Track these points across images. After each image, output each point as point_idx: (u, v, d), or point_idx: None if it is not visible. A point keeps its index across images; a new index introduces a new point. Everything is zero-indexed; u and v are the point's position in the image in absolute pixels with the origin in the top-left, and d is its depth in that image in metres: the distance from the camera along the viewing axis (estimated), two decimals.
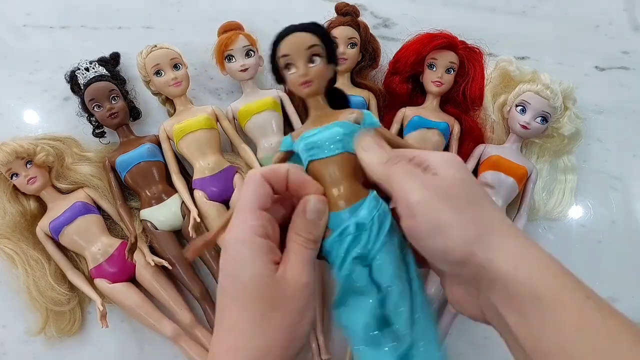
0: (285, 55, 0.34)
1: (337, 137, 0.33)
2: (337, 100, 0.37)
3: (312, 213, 0.31)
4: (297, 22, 0.35)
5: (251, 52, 0.63)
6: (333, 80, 0.37)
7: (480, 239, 0.27)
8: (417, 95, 0.67)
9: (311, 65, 0.34)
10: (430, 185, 0.29)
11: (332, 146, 0.33)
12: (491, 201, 0.30)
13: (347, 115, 0.34)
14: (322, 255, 0.32)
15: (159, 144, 0.64)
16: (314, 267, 0.31)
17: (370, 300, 0.31)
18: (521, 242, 0.28)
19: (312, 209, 0.31)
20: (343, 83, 0.65)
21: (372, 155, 0.32)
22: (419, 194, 0.28)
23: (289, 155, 0.37)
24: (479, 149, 0.64)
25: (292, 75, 0.34)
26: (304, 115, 0.66)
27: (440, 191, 0.28)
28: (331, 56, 0.35)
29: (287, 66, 0.34)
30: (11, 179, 0.59)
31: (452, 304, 0.32)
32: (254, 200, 0.30)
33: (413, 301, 0.31)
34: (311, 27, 0.34)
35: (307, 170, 0.34)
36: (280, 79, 0.36)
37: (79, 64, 0.63)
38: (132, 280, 0.61)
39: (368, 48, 0.65)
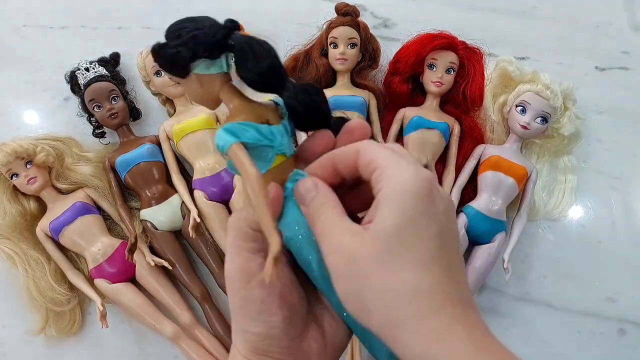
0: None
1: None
2: None
3: None
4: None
5: None
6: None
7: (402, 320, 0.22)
8: (417, 96, 0.67)
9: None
10: (356, 244, 0.24)
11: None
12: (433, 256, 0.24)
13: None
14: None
15: (159, 144, 0.64)
16: None
17: None
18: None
19: None
20: (343, 83, 0.65)
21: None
22: (338, 259, 0.24)
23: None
24: (479, 149, 0.64)
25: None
26: None
27: (368, 251, 0.23)
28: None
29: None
30: (11, 179, 0.59)
31: None
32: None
33: None
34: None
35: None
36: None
37: (79, 64, 0.63)
38: (132, 280, 0.61)
39: (368, 48, 0.65)
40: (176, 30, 0.28)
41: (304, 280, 0.29)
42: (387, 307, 0.23)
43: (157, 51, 0.28)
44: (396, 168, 0.25)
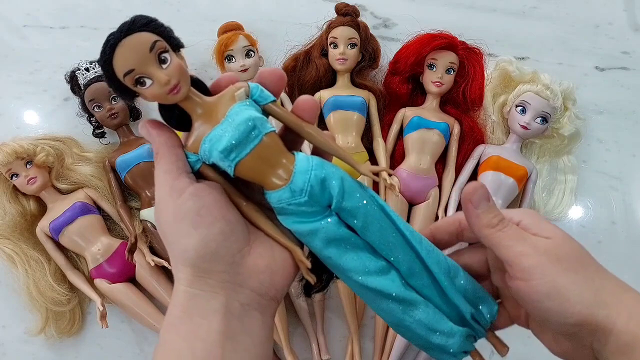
0: (130, 71, 0.26)
1: (250, 124, 0.27)
2: (201, 86, 0.31)
3: None
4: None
5: (251, 52, 0.63)
6: None
7: (597, 298, 0.28)
8: (417, 96, 0.67)
9: (165, 66, 0.27)
10: (542, 249, 0.29)
11: (250, 136, 0.28)
12: (593, 258, 0.31)
13: (235, 94, 0.29)
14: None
15: None
16: None
17: (357, 241, 0.30)
18: (632, 295, 0.29)
19: None
20: (343, 83, 0.65)
21: (480, 216, 0.31)
22: (533, 258, 0.29)
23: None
24: (479, 149, 0.64)
25: (152, 89, 0.27)
26: None
27: (552, 254, 0.29)
28: (176, 43, 0.29)
29: (139, 81, 0.27)
30: (11, 179, 0.59)
31: (558, 355, 0.32)
32: None
33: (396, 226, 0.31)
34: (137, 24, 0.27)
35: (233, 175, 0.28)
36: (133, 97, 0.28)
37: (79, 64, 0.63)
38: (132, 280, 0.61)
39: (368, 48, 0.65)
40: None
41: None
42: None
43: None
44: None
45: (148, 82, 0.27)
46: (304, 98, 0.30)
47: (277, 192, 0.29)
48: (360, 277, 0.30)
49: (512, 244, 0.29)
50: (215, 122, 0.28)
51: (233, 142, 0.27)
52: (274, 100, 0.30)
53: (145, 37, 0.26)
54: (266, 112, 0.30)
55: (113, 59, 0.26)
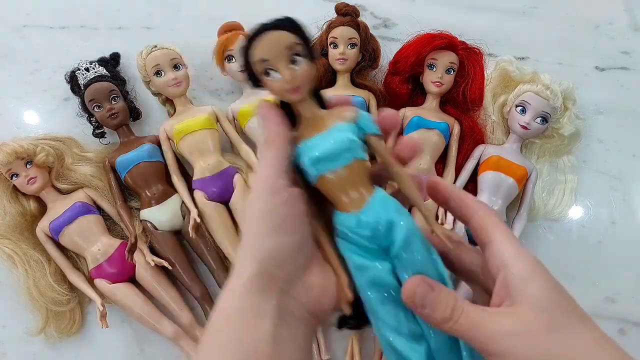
0: (263, 60, 0.29)
1: (346, 145, 0.30)
2: (319, 98, 0.33)
3: None
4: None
5: None
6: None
7: None
8: (417, 96, 0.67)
9: (294, 67, 0.29)
10: (507, 331, 0.26)
11: (343, 155, 0.30)
12: (574, 309, 0.27)
13: (344, 114, 0.31)
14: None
15: (159, 145, 0.64)
16: None
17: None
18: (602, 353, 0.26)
19: None
20: (343, 83, 0.65)
21: (431, 315, 0.28)
22: (500, 344, 0.26)
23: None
24: (479, 149, 0.64)
25: (276, 82, 0.29)
26: None
27: (521, 332, 0.25)
28: (312, 52, 0.31)
29: (267, 72, 0.29)
30: (11, 179, 0.59)
31: None
32: None
33: None
34: (286, 23, 0.30)
35: (316, 185, 0.31)
36: (258, 84, 0.30)
37: (79, 64, 0.63)
38: (132, 280, 0.61)
39: (368, 48, 0.65)
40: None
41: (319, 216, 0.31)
42: None
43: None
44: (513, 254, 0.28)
45: (275, 75, 0.29)
46: (408, 143, 0.32)
47: (345, 215, 0.30)
48: (389, 334, 0.30)
49: (474, 334, 0.27)
50: (317, 132, 0.30)
51: (325, 154, 0.29)
52: (378, 135, 0.31)
53: (288, 37, 0.30)
54: (365, 142, 0.31)
55: (254, 44, 0.30)
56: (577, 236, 0.66)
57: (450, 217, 0.62)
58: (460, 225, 0.61)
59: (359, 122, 0.31)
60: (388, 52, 0.67)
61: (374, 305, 0.30)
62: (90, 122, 0.65)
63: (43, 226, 0.60)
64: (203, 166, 0.62)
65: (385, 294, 0.30)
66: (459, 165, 0.65)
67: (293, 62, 0.29)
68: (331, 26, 0.64)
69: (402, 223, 0.29)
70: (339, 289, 0.30)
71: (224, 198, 0.62)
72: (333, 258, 0.31)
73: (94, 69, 0.63)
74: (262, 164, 0.29)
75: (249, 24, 0.71)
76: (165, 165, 0.63)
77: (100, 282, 0.60)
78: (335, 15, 0.65)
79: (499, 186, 0.61)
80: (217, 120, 0.64)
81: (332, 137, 0.30)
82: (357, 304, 0.31)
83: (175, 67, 0.62)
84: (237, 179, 0.62)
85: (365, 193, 0.30)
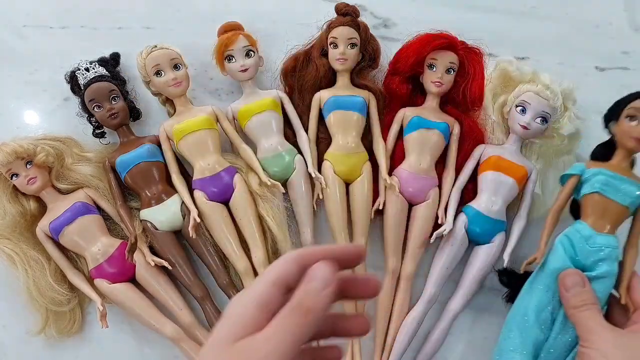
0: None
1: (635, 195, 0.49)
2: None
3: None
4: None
5: (251, 52, 0.63)
6: None
7: None
8: (417, 96, 0.67)
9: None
10: (609, 339, 0.35)
11: (628, 195, 0.49)
12: None
13: None
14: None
15: (159, 144, 0.64)
16: None
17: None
18: None
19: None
20: (343, 83, 0.65)
21: (570, 299, 0.39)
22: (598, 343, 0.36)
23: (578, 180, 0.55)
24: (479, 149, 0.64)
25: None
26: (305, 115, 0.66)
27: (619, 344, 0.35)
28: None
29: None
30: (11, 179, 0.59)
31: None
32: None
33: None
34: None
35: (580, 199, 0.52)
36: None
37: (79, 64, 0.63)
38: (132, 280, 0.61)
39: (368, 48, 0.65)
40: None
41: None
42: None
43: None
44: None
45: None
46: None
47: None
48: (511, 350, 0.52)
49: (586, 323, 0.37)
50: (618, 171, 0.55)
51: (618, 186, 0.53)
52: None
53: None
54: None
55: None
56: None
57: (450, 217, 0.62)
58: (459, 227, 0.61)
59: None
60: (388, 52, 0.67)
61: (524, 302, 0.51)
62: (90, 122, 0.65)
63: (43, 226, 0.60)
64: (203, 166, 0.62)
65: (536, 319, 0.50)
66: (459, 165, 0.65)
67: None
68: (331, 26, 0.64)
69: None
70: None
71: (224, 198, 0.62)
72: None
73: (94, 69, 0.63)
74: None
75: (249, 24, 0.72)
76: (165, 165, 0.63)
77: (100, 282, 0.60)
78: (335, 15, 0.65)
79: (499, 186, 0.61)
80: (217, 120, 0.64)
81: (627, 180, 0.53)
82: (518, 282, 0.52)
83: (175, 67, 0.62)
84: (237, 179, 0.62)
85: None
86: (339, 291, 0.27)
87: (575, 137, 0.66)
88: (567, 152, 0.67)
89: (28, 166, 0.59)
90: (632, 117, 0.53)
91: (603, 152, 0.58)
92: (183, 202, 0.62)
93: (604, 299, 0.50)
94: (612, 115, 0.55)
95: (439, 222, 0.62)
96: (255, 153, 0.63)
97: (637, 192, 0.51)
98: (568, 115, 0.63)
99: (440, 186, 0.64)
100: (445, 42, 0.62)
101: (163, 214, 0.61)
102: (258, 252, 0.61)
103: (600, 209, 0.53)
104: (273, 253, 0.63)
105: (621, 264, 0.53)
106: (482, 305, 0.64)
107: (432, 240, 0.61)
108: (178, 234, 0.63)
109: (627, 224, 0.55)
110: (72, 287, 0.62)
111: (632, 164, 0.56)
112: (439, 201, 0.63)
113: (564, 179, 0.57)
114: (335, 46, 0.63)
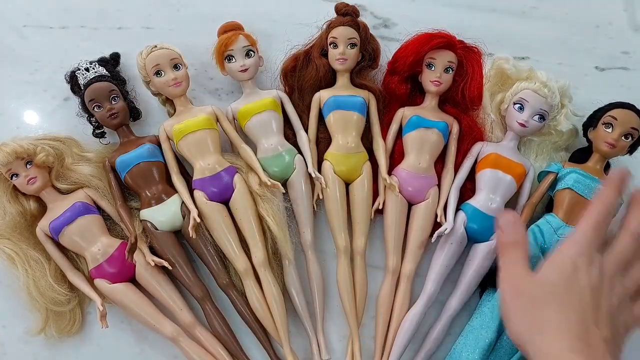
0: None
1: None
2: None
3: None
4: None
5: (251, 52, 0.63)
6: None
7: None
8: (416, 95, 0.67)
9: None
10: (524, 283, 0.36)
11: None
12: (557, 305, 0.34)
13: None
14: None
15: (159, 145, 0.64)
16: None
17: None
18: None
19: None
20: (343, 83, 0.65)
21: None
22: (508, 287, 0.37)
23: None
24: (477, 147, 0.64)
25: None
26: (305, 115, 0.66)
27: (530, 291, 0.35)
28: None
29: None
30: (11, 179, 0.59)
31: None
32: None
33: None
34: None
35: (554, 194, 0.59)
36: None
37: (79, 64, 0.63)
38: (132, 280, 0.61)
39: (368, 48, 0.65)
40: None
41: None
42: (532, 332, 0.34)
43: None
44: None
45: None
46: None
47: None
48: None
49: (502, 260, 0.38)
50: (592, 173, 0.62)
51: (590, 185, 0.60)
52: None
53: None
54: None
55: None
56: None
57: (450, 216, 0.62)
58: (458, 225, 0.61)
59: None
60: (388, 52, 0.67)
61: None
62: (90, 122, 0.65)
63: (43, 226, 0.60)
64: (203, 166, 0.62)
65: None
66: (458, 165, 0.65)
67: None
68: (331, 26, 0.64)
69: None
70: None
71: (224, 198, 0.62)
72: None
73: (94, 69, 0.63)
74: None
75: (249, 24, 0.72)
76: (165, 165, 0.63)
77: (100, 282, 0.60)
78: (335, 15, 0.65)
79: (497, 184, 0.61)
80: (217, 120, 0.64)
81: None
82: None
83: (175, 67, 0.62)
84: (237, 179, 0.62)
85: None
86: None
87: (573, 135, 0.66)
88: (565, 149, 0.67)
89: (28, 166, 0.59)
90: (608, 125, 0.59)
91: (580, 156, 0.63)
92: (183, 202, 0.62)
93: None
94: (591, 122, 0.61)
95: (438, 220, 0.62)
96: (255, 153, 0.63)
97: None
98: (565, 113, 0.63)
99: (439, 185, 0.64)
100: (444, 41, 0.62)
101: (163, 214, 0.61)
102: (258, 252, 0.61)
103: (570, 204, 0.59)
104: (273, 253, 0.63)
105: None
106: None
107: (432, 240, 0.61)
108: (178, 234, 0.63)
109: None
110: (72, 287, 0.62)
111: (607, 168, 0.62)
112: (439, 200, 0.63)
113: (540, 176, 0.62)
114: (335, 46, 0.63)
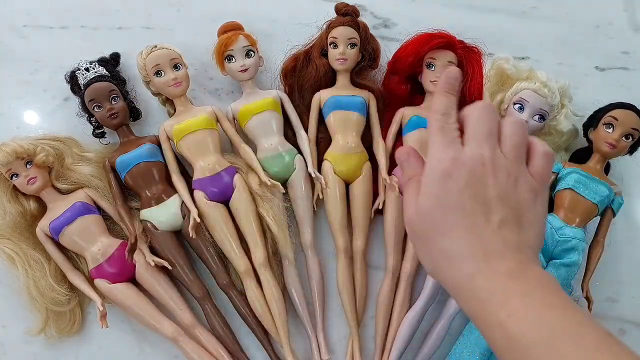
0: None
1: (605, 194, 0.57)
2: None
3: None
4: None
5: (251, 52, 0.63)
6: None
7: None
8: (417, 95, 0.67)
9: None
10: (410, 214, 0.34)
11: (598, 194, 0.58)
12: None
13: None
14: None
15: (159, 144, 0.64)
16: None
17: None
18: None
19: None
20: (343, 83, 0.65)
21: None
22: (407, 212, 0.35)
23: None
24: None
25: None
26: (305, 115, 0.66)
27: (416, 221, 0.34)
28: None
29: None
30: (11, 179, 0.59)
31: None
32: None
33: None
34: None
35: (554, 194, 0.59)
36: None
37: (79, 64, 0.63)
38: (132, 280, 0.61)
39: (368, 48, 0.65)
40: None
41: None
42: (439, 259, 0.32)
43: None
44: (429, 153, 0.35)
45: None
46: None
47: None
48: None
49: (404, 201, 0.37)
50: (592, 173, 0.62)
51: (586, 183, 0.60)
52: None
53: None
54: None
55: None
56: None
57: None
58: None
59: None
60: (388, 52, 0.67)
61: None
62: (90, 122, 0.65)
63: (43, 226, 0.60)
64: (203, 166, 0.62)
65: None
66: None
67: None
68: (331, 26, 0.64)
69: None
70: None
71: (224, 198, 0.62)
72: None
73: (94, 69, 0.63)
74: None
75: (249, 24, 0.71)
76: (165, 165, 0.63)
77: (100, 282, 0.60)
78: (335, 15, 0.65)
79: None
80: (217, 120, 0.64)
81: (599, 184, 0.60)
82: None
83: (175, 67, 0.62)
84: (237, 179, 0.62)
85: None
86: None
87: (573, 135, 0.66)
88: (565, 149, 0.67)
89: (28, 166, 0.59)
90: (608, 125, 0.60)
91: (581, 156, 0.64)
92: (183, 202, 0.62)
93: (567, 287, 0.57)
94: (591, 122, 0.62)
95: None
96: (255, 153, 0.63)
97: (607, 192, 0.58)
98: (565, 113, 0.64)
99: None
100: (444, 41, 0.62)
101: (163, 214, 0.61)
102: (258, 252, 0.61)
103: (571, 204, 0.60)
104: (273, 253, 0.63)
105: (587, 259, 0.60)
106: None
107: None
108: (178, 234, 0.63)
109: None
110: (72, 287, 0.62)
111: (607, 168, 0.63)
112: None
113: None
114: (335, 46, 0.63)
